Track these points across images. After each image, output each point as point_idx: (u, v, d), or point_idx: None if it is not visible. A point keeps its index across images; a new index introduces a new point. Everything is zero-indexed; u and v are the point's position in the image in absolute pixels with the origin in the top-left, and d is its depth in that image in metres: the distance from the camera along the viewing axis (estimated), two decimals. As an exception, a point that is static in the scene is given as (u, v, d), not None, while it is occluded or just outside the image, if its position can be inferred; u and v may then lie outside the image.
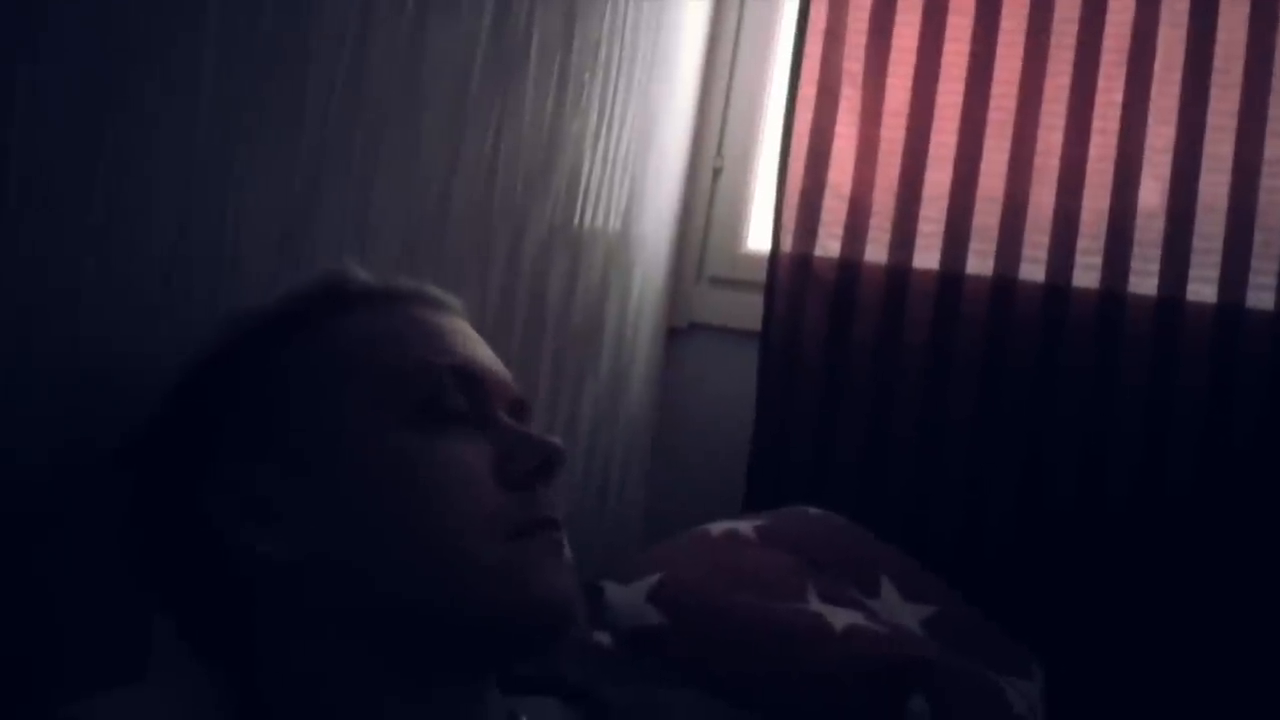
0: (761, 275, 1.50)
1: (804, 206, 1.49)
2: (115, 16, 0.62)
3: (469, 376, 0.60)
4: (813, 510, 1.20)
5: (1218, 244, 1.34)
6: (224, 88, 0.70)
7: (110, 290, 0.63)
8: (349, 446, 0.57)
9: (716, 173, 1.61)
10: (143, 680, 0.55)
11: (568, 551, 0.59)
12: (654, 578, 1.00)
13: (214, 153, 0.70)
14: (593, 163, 1.25)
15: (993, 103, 1.43)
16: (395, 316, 0.62)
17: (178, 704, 0.55)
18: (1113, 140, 1.39)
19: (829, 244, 1.48)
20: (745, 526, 1.12)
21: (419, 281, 0.66)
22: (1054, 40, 1.41)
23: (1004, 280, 1.41)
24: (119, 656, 0.56)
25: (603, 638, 0.93)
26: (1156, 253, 1.37)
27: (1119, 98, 1.39)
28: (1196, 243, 1.35)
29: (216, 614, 0.58)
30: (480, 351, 0.63)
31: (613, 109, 1.28)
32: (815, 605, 1.02)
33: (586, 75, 1.21)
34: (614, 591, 0.99)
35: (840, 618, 1.00)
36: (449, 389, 0.59)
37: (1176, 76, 1.37)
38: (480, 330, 0.66)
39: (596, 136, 1.25)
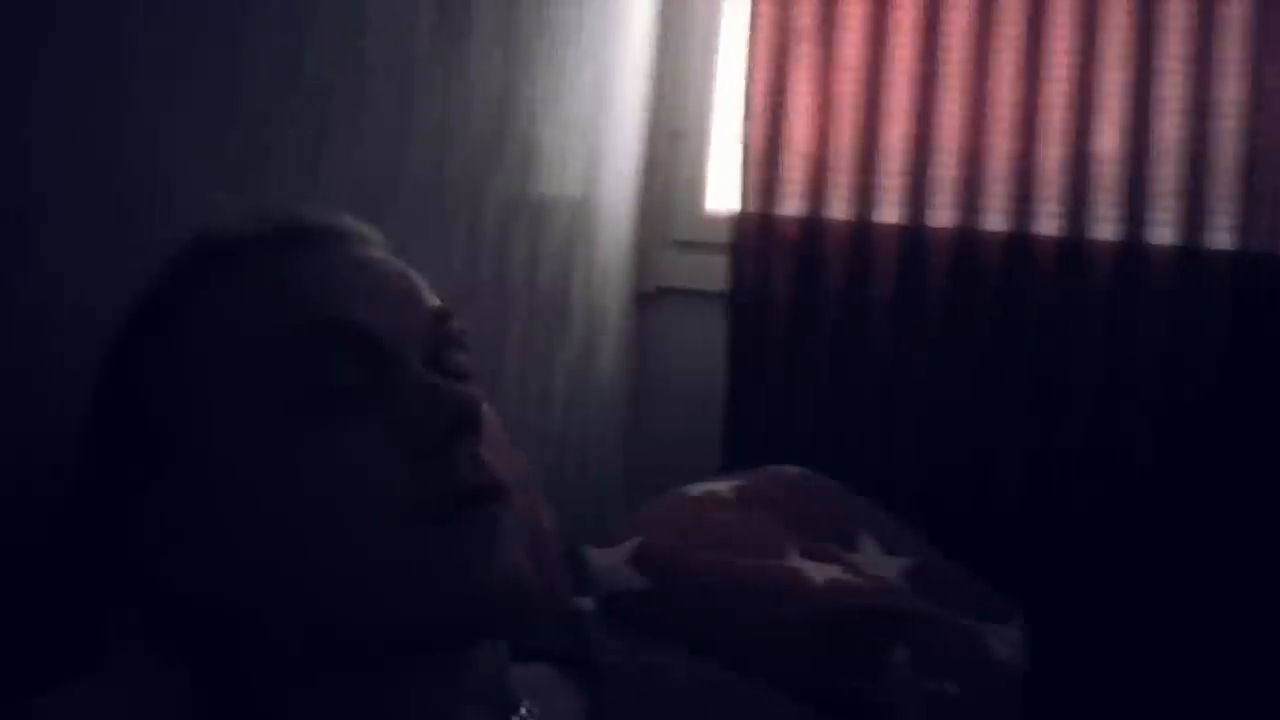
0: (725, 236, 1.50)
1: (764, 165, 1.48)
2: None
3: (358, 335, 0.51)
4: (789, 468, 1.20)
5: (1175, 186, 1.36)
6: (155, 56, 0.67)
7: (44, 269, 0.60)
8: (224, 455, 0.50)
9: (675, 135, 1.60)
10: (97, 672, 0.53)
11: (507, 520, 0.51)
12: (634, 541, 1.00)
13: (146, 126, 0.67)
14: (548, 128, 1.23)
15: (945, 54, 1.43)
16: (264, 276, 0.52)
17: (135, 696, 0.53)
18: (1065, 87, 1.40)
19: (791, 202, 1.48)
20: (723, 487, 1.12)
21: (301, 212, 0.56)
22: (1004, -12, 1.41)
23: (966, 231, 1.42)
24: (73, 647, 0.55)
25: (586, 602, 0.93)
26: (1115, 197, 1.38)
27: (1069, 44, 1.39)
28: (1154, 186, 1.37)
29: (158, 623, 0.53)
30: (383, 288, 0.53)
31: (565, 73, 1.26)
32: (796, 562, 1.02)
33: (535, 39, 1.18)
34: (595, 556, 0.99)
35: (821, 573, 1.00)
36: (332, 361, 0.50)
37: (1126, 21, 1.38)
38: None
39: (551, 101, 1.23)
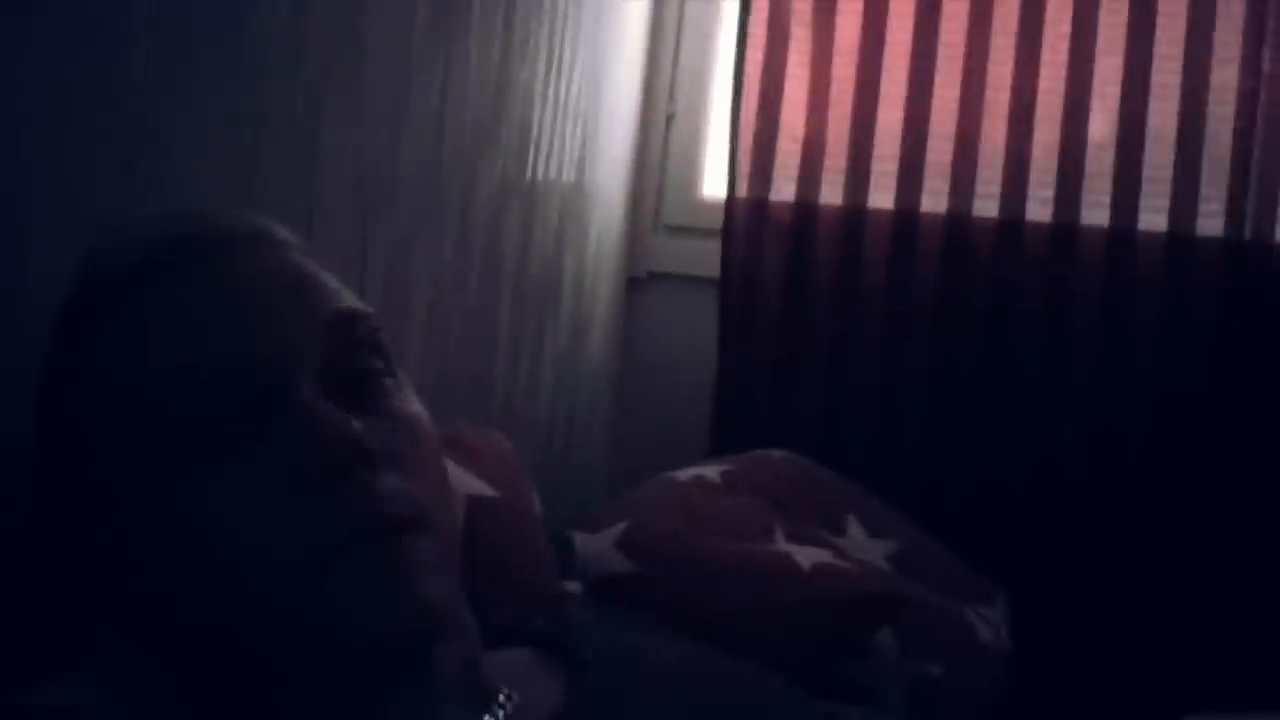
0: (718, 222, 1.50)
1: (758, 150, 1.48)
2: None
3: (232, 372, 0.48)
4: (777, 453, 1.21)
5: (1167, 173, 1.36)
6: (156, 42, 0.67)
7: (53, 249, 0.61)
8: (115, 495, 0.49)
9: (669, 119, 1.60)
10: (81, 669, 0.53)
11: (410, 551, 0.48)
12: (621, 525, 1.01)
13: (147, 112, 0.68)
14: (543, 112, 1.23)
15: (942, 38, 1.43)
16: (142, 311, 0.50)
17: (121, 688, 0.53)
18: (1061, 72, 1.39)
19: (784, 187, 1.48)
20: (711, 471, 1.12)
21: (195, 221, 0.53)
22: (1001, -27, 1.41)
23: (958, 217, 1.42)
24: (62, 642, 0.55)
25: (572, 587, 0.94)
26: (1107, 184, 1.38)
27: (1066, 29, 1.39)
28: (1146, 172, 1.37)
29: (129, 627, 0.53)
30: (264, 309, 0.50)
31: (561, 57, 1.26)
32: (783, 545, 1.03)
33: (533, 22, 1.18)
34: (582, 541, 1.00)
35: (807, 556, 1.01)
36: (207, 401, 0.48)
37: (1123, 6, 1.37)
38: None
39: (546, 85, 1.23)
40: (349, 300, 0.54)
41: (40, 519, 0.55)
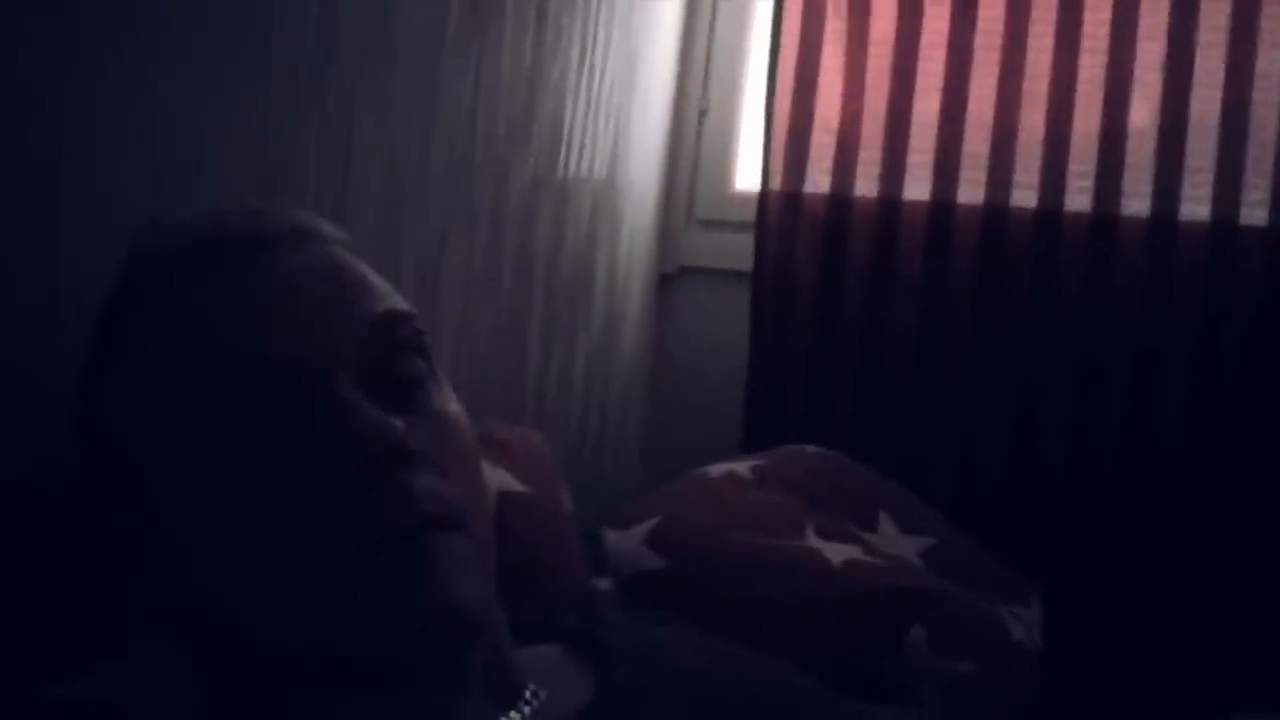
0: (751, 215, 1.49)
1: (792, 142, 1.47)
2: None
3: (271, 370, 0.48)
4: (809, 448, 1.21)
5: (1210, 161, 1.33)
6: (189, 38, 0.68)
7: (84, 248, 0.62)
8: (152, 495, 0.50)
9: (702, 113, 1.59)
10: (116, 663, 0.54)
11: (446, 550, 0.48)
12: (652, 522, 1.01)
13: (178, 109, 0.69)
14: (575, 108, 1.24)
15: (979, 26, 1.41)
16: (183, 308, 0.50)
17: (154, 685, 0.54)
18: (1102, 60, 1.37)
19: (818, 179, 1.47)
20: (742, 467, 1.12)
21: (239, 217, 0.53)
22: (1039, -40, 1.38)
23: (996, 208, 1.40)
24: (100, 636, 0.56)
25: (603, 583, 0.94)
26: (1148, 173, 1.35)
27: (1107, 15, 1.36)
28: (1189, 161, 1.34)
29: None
30: (307, 308, 0.50)
31: (594, 52, 1.26)
32: (814, 542, 1.03)
33: (565, 17, 1.18)
34: (613, 538, 1.00)
35: (839, 553, 1.01)
36: (245, 399, 0.48)
37: (1164, -9, 1.34)
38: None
39: (578, 81, 1.23)
40: (393, 301, 0.54)
41: (78, 512, 0.56)
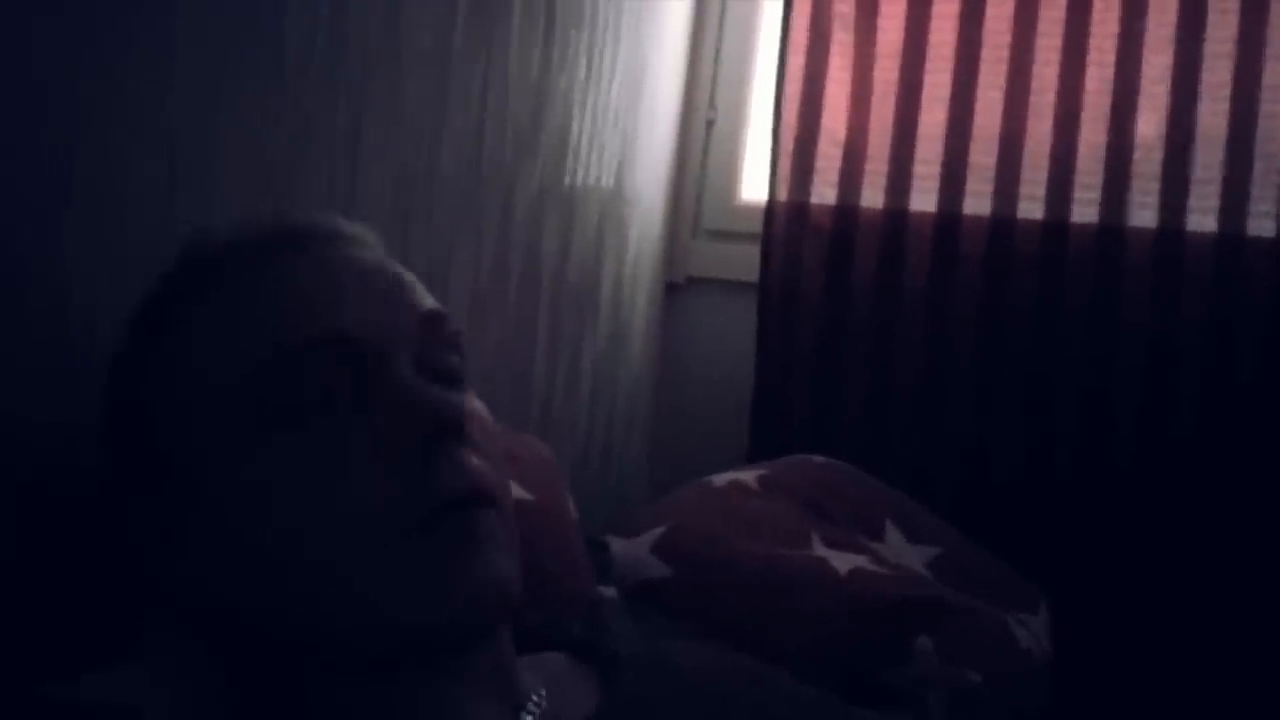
0: (758, 226, 1.50)
1: (799, 154, 1.48)
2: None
3: (340, 340, 0.51)
4: (816, 458, 1.20)
5: (1217, 173, 1.33)
6: (197, 44, 0.69)
7: (94, 251, 0.62)
8: (209, 469, 0.51)
9: (709, 124, 1.59)
10: (131, 662, 0.55)
11: (490, 526, 0.51)
12: (658, 530, 1.01)
13: (188, 115, 0.69)
14: (583, 118, 1.24)
15: (986, 39, 1.41)
16: (249, 287, 0.53)
17: (170, 683, 0.54)
18: (1109, 72, 1.37)
19: (825, 191, 1.47)
20: (748, 476, 1.12)
21: (291, 215, 0.56)
22: (1046, -28, 1.39)
23: (1002, 220, 1.40)
24: (114, 635, 0.57)
25: (609, 592, 0.94)
26: (1155, 185, 1.35)
27: (1114, 28, 1.37)
28: (1195, 173, 1.34)
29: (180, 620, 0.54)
30: (370, 290, 0.53)
31: (601, 62, 1.27)
32: (820, 551, 1.02)
33: (573, 28, 1.19)
34: (619, 546, 1.00)
35: (845, 562, 1.01)
36: (312, 370, 0.50)
37: (1172, 4, 1.35)
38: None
39: (586, 91, 1.24)
40: (436, 302, 0.57)
41: (87, 510, 0.57)
